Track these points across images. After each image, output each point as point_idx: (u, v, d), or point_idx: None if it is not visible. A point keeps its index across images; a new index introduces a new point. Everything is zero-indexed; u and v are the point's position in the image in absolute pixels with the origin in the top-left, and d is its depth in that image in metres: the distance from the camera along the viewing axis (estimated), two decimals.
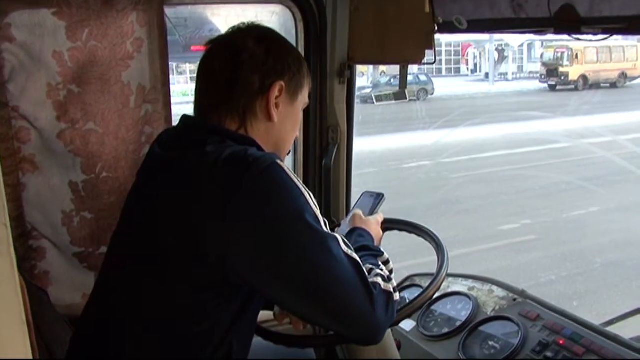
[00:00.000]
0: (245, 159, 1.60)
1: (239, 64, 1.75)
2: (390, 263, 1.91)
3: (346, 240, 1.68)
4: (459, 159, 14.64)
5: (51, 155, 2.54)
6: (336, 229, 2.23)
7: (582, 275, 8.16)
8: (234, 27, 1.87)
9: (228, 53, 1.78)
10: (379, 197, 2.29)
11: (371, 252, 1.88)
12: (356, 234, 2.00)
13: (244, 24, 1.87)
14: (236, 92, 1.75)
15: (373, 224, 2.09)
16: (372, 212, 2.22)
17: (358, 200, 2.33)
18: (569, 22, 1.94)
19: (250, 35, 1.81)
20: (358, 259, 1.66)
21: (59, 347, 2.27)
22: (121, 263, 1.78)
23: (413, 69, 23.12)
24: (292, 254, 1.58)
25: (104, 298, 1.80)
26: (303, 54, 2.69)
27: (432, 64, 2.56)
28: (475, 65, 37.73)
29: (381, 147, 15.25)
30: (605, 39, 1.93)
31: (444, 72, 36.77)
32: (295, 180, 1.62)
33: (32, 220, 2.59)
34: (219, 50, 1.82)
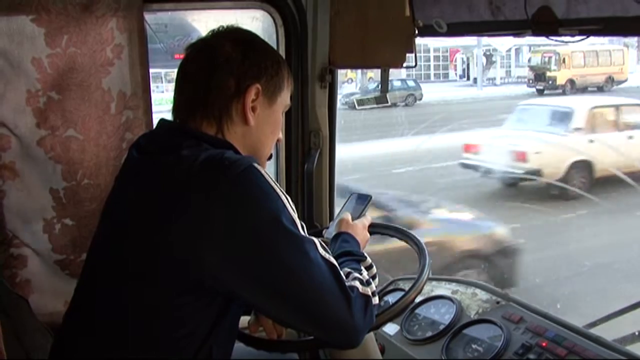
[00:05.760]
0: (222, 162, 1.60)
1: (215, 67, 1.75)
2: (374, 268, 1.92)
3: (324, 244, 1.68)
4: (447, 164, 14.60)
5: (31, 162, 2.54)
6: (323, 232, 2.23)
7: (570, 279, 8.16)
8: (212, 30, 1.87)
9: (204, 56, 1.79)
10: (366, 199, 2.28)
11: (354, 257, 1.89)
12: (341, 239, 2.00)
13: (222, 27, 1.87)
14: (212, 95, 1.75)
15: (359, 228, 2.09)
16: (360, 214, 2.22)
17: (346, 202, 2.32)
18: (547, 24, 1.94)
19: (227, 38, 1.81)
20: (335, 262, 1.66)
21: (40, 355, 2.26)
22: (99, 269, 1.77)
23: (401, 74, 23.08)
24: (268, 257, 1.58)
25: (82, 304, 1.80)
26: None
27: (413, 67, 2.55)
28: (464, 70, 37.73)
29: (370, 154, 15.18)
30: (582, 40, 1.94)
31: (432, 78, 36.78)
32: (272, 184, 1.62)
33: (13, 228, 2.58)
34: (196, 54, 1.82)
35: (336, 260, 1.74)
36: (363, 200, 2.28)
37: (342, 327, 1.63)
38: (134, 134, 2.59)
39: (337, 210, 3.02)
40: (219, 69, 1.75)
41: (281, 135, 1.97)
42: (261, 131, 1.84)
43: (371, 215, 2.24)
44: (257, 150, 1.85)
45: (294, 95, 2.60)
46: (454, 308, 2.59)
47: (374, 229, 2.24)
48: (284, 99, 1.90)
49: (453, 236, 7.26)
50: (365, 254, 1.95)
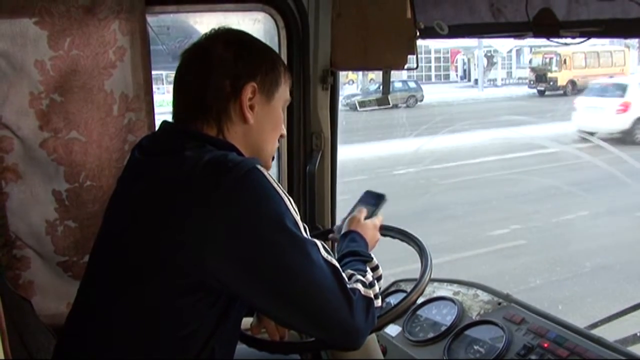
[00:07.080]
0: (225, 164, 1.60)
1: (209, 70, 1.76)
2: (380, 269, 1.92)
3: (326, 246, 1.68)
4: (448, 164, 14.62)
5: (34, 164, 2.54)
6: (334, 228, 2.22)
7: (571, 280, 8.16)
8: (205, 33, 1.87)
9: (198, 60, 1.80)
10: (380, 198, 2.26)
11: (360, 257, 1.89)
12: (349, 239, 2.01)
13: (214, 29, 1.87)
14: (209, 98, 1.76)
15: (370, 228, 2.10)
16: (372, 213, 2.20)
17: (360, 199, 2.31)
18: (547, 26, 1.95)
19: (219, 40, 1.81)
20: (337, 264, 1.67)
21: (43, 356, 2.26)
22: (102, 270, 1.78)
23: (402, 75, 23.09)
24: (271, 259, 1.58)
25: (85, 306, 1.80)
26: (286, 61, 2.68)
27: (414, 69, 2.56)
28: (465, 71, 37.75)
29: (370, 155, 15.20)
30: (583, 41, 1.94)
31: (433, 79, 36.84)
32: (275, 186, 1.63)
33: (16, 230, 2.59)
34: (190, 58, 1.83)
35: (342, 259, 1.75)
36: (377, 199, 2.26)
37: (344, 328, 1.63)
38: (136, 136, 2.60)
39: (338, 211, 3.03)
40: (213, 72, 1.76)
41: (284, 130, 1.97)
42: (262, 129, 1.84)
43: None
44: (260, 148, 1.85)
45: (296, 97, 2.61)
46: (455, 309, 2.59)
47: None
48: (282, 94, 1.89)
49: None
50: (372, 255, 1.95)
